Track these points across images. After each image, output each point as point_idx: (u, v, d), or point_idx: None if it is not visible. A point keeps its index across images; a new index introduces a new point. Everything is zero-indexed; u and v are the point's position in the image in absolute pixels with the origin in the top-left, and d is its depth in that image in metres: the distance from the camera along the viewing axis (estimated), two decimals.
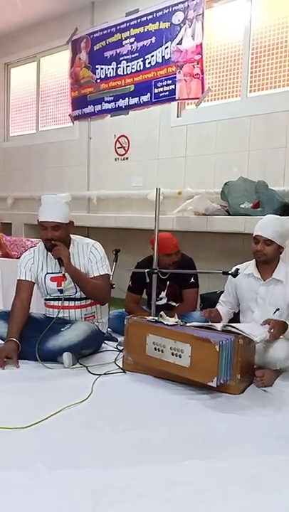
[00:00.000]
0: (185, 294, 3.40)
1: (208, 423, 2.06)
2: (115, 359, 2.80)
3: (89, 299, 2.91)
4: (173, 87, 4.47)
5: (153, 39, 4.62)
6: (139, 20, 4.73)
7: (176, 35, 4.42)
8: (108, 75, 5.07)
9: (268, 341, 2.44)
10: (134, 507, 1.44)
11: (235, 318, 2.94)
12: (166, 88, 4.54)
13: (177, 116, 4.67)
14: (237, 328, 2.41)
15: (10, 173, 6.47)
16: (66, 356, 2.67)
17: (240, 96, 4.26)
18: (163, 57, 4.55)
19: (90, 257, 2.88)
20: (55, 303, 2.91)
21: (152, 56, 4.64)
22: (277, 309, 2.65)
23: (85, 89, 5.33)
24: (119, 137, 5.14)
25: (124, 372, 2.64)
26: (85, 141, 5.49)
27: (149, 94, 4.70)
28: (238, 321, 2.85)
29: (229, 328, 2.44)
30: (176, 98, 4.48)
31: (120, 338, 3.05)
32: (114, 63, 5.00)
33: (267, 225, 2.69)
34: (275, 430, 2.00)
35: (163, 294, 3.38)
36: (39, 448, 1.78)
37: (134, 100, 4.84)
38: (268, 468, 1.69)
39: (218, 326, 2.51)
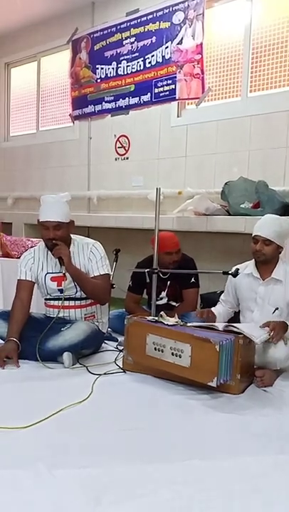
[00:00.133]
0: (185, 294, 3.40)
1: (208, 423, 2.06)
2: (115, 359, 2.80)
3: (89, 299, 2.91)
4: (173, 86, 4.48)
5: (153, 39, 4.62)
6: (139, 20, 4.73)
7: (177, 34, 4.42)
8: (108, 75, 5.07)
9: (268, 341, 2.44)
10: (134, 507, 1.44)
11: (236, 317, 2.95)
12: (166, 88, 4.54)
13: (177, 116, 4.67)
14: (238, 328, 2.41)
15: (10, 173, 6.47)
16: (66, 356, 2.67)
17: (241, 96, 4.26)
18: (163, 57, 4.55)
19: (91, 256, 2.88)
20: (56, 303, 2.91)
21: (152, 56, 4.64)
22: (277, 309, 2.66)
23: (85, 89, 5.33)
24: (119, 137, 5.14)
25: (124, 372, 2.64)
26: (86, 141, 5.49)
27: (149, 94, 4.70)
28: (238, 321, 2.85)
29: (230, 328, 2.44)
30: (177, 98, 4.48)
31: (120, 338, 3.05)
32: (114, 63, 5.00)
33: (266, 225, 2.69)
34: (275, 430, 1.99)
35: (163, 293, 3.38)
36: (39, 448, 1.78)
37: (134, 100, 4.84)
38: (268, 468, 1.69)
39: (220, 325, 2.51)
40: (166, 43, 4.51)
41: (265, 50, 4.09)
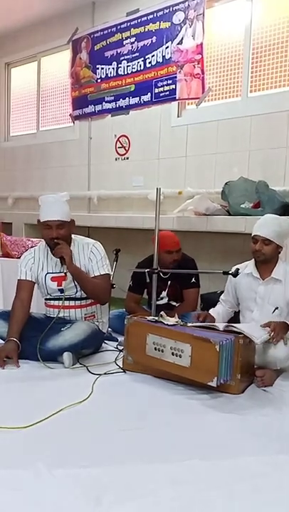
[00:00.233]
0: (186, 293, 3.40)
1: (208, 423, 2.06)
2: (115, 359, 2.80)
3: (89, 299, 2.91)
4: (173, 86, 4.48)
5: (153, 39, 4.62)
6: (139, 20, 4.73)
7: (177, 34, 4.42)
8: (109, 75, 5.07)
9: (268, 342, 2.44)
10: (134, 507, 1.44)
11: (236, 317, 2.95)
12: (166, 88, 4.54)
13: (178, 116, 4.67)
14: (238, 328, 2.41)
15: (10, 173, 6.47)
16: (66, 356, 2.67)
17: (241, 96, 4.26)
18: (163, 57, 4.55)
19: (91, 256, 2.88)
20: (56, 302, 2.91)
21: (153, 56, 4.64)
22: (276, 308, 2.66)
23: (85, 89, 5.33)
24: (119, 137, 5.14)
25: (124, 372, 2.64)
26: (86, 141, 5.49)
27: (149, 94, 4.70)
28: (238, 321, 2.85)
29: (230, 328, 2.44)
30: (177, 98, 4.48)
31: (120, 338, 3.05)
32: (114, 63, 5.00)
33: (265, 225, 2.69)
34: (275, 430, 1.99)
35: (164, 293, 3.38)
36: (39, 448, 1.78)
37: (134, 100, 4.84)
38: (269, 467, 1.69)
39: (220, 325, 2.51)
40: (166, 43, 4.51)
41: (266, 50, 4.09)
